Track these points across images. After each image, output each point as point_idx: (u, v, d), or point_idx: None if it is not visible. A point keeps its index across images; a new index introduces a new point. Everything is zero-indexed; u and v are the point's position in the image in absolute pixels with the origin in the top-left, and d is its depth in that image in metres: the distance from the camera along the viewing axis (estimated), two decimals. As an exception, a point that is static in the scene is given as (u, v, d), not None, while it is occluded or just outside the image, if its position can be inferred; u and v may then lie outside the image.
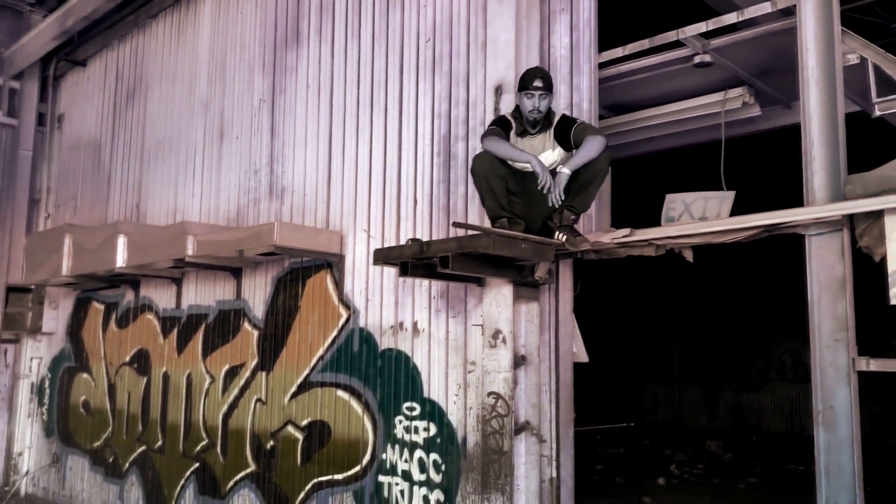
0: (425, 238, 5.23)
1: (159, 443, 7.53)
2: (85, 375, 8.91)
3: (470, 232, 4.23)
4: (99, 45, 9.45)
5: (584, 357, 4.85)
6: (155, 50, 8.61)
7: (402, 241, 5.42)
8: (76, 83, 10.04)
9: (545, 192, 3.99)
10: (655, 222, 4.53)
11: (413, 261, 4.34)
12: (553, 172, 4.05)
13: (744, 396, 16.18)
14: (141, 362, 7.98)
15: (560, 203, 3.97)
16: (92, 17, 8.47)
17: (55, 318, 9.61)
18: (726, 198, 4.15)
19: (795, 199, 4.08)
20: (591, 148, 3.97)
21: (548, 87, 4.18)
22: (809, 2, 3.92)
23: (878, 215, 3.50)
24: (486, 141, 4.17)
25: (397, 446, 5.27)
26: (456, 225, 4.00)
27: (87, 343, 8.97)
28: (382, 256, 4.48)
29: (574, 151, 4.12)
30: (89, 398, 8.75)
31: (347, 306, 5.83)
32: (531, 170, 4.07)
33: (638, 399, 17.58)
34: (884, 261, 3.49)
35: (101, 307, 8.78)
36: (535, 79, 4.18)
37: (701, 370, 16.82)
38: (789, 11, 4.23)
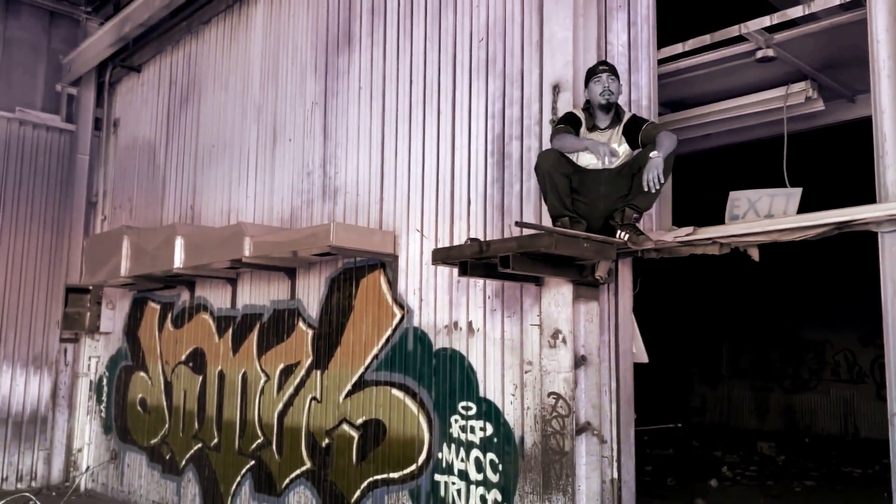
0: (480, 238, 5.24)
1: (215, 440, 7.67)
2: (142, 374, 9.12)
3: (530, 231, 4.22)
4: (153, 52, 9.67)
5: (643, 357, 4.81)
6: (208, 55, 8.77)
7: (456, 241, 5.44)
8: (131, 88, 10.29)
9: (602, 164, 3.98)
10: (715, 220, 4.46)
11: (472, 260, 4.34)
12: (642, 160, 4.01)
13: (795, 397, 15.85)
14: (196, 361, 8.14)
15: (658, 188, 3.90)
16: (148, 23, 8.67)
17: (112, 318, 9.87)
18: (793, 195, 4.07)
19: (861, 194, 3.98)
20: (671, 141, 3.96)
21: (614, 72, 4.25)
22: (880, -8, 3.82)
23: (956, 211, 3.39)
24: (554, 138, 4.18)
25: (453, 445, 5.28)
26: (519, 224, 4.00)
27: (143, 342, 9.19)
28: (441, 256, 4.50)
29: (642, 149, 4.11)
30: (146, 396, 8.96)
31: (401, 306, 5.86)
32: (596, 163, 4.07)
33: (685, 399, 17.34)
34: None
35: (157, 307, 8.98)
36: (599, 64, 4.28)
37: (750, 370, 16.52)
38: (855, 4, 4.12)
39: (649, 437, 14.31)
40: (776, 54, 4.77)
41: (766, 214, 4.13)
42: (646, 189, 3.85)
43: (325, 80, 7.04)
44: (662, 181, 3.83)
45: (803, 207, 4.18)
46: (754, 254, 4.05)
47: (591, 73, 4.25)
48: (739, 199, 4.23)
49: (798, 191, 4.09)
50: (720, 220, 4.43)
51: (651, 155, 3.87)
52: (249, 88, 8.03)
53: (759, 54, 4.78)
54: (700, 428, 16.35)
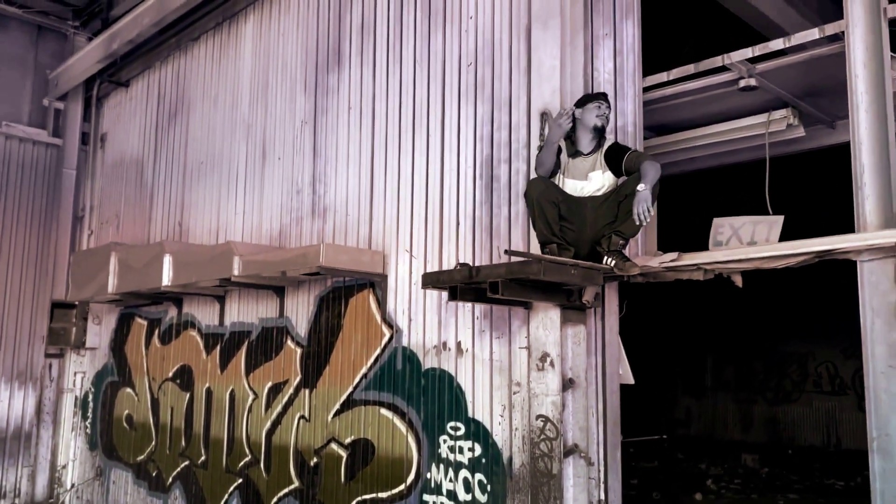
0: (468, 259, 5.31)
1: (203, 458, 7.66)
2: (128, 390, 9.09)
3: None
4: (142, 67, 9.68)
5: (629, 379, 4.88)
6: (197, 71, 8.80)
7: (445, 262, 5.50)
8: (119, 103, 10.29)
9: (601, 192, 4.16)
10: (699, 240, 4.55)
11: (461, 285, 4.40)
12: (630, 194, 4.10)
13: (778, 409, 16.00)
14: (184, 378, 8.13)
15: (647, 220, 3.99)
16: (136, 40, 8.69)
17: (98, 333, 9.83)
18: (775, 222, 4.17)
19: (842, 217, 4.08)
20: (656, 171, 4.07)
21: (608, 101, 4.43)
22: (858, 28, 3.94)
23: (932, 243, 3.50)
24: (536, 161, 4.28)
25: (442, 466, 5.32)
26: (508, 252, 4.06)
27: (130, 358, 9.16)
28: (431, 281, 4.56)
29: (627, 176, 4.20)
30: (132, 412, 8.93)
31: (390, 325, 5.90)
32: (585, 190, 4.17)
33: (670, 411, 17.45)
34: (939, 288, 3.49)
35: (145, 323, 8.97)
36: (602, 95, 4.43)
37: (734, 382, 16.67)
38: (834, 37, 4.24)
39: (635, 449, 14.40)
40: (758, 83, 4.89)
41: (748, 241, 4.23)
42: (637, 223, 3.94)
43: (314, 98, 7.09)
44: (651, 212, 3.92)
45: (786, 230, 4.29)
46: (738, 280, 4.15)
47: (592, 98, 4.40)
48: (723, 226, 4.33)
49: (780, 218, 4.19)
50: (704, 241, 4.53)
51: (638, 188, 3.96)
52: (239, 105, 8.07)
53: (742, 83, 4.90)
54: (685, 440, 16.47)
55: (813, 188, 9.74)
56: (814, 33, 4.25)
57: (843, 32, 4.03)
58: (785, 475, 11.87)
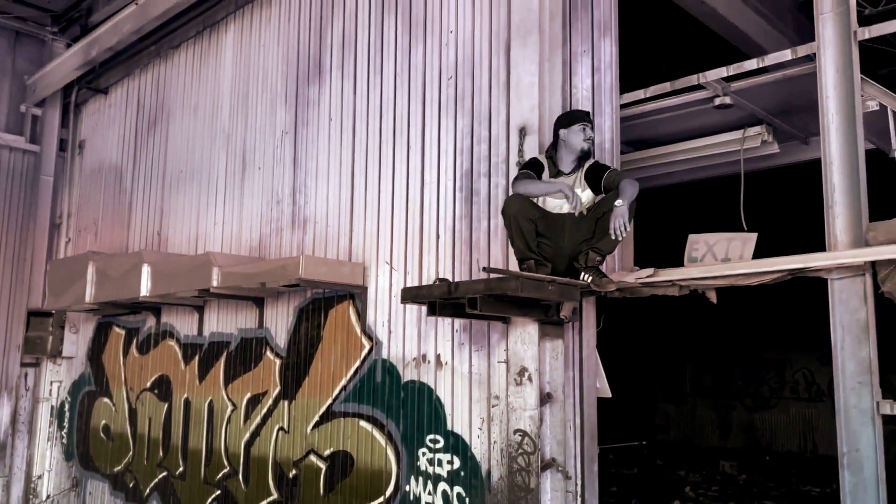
0: (448, 272, 5.33)
1: (181, 469, 7.61)
2: (105, 400, 9.01)
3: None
4: (121, 74, 9.62)
5: (607, 392, 4.93)
6: (177, 80, 8.77)
7: (425, 274, 5.52)
8: (98, 110, 10.21)
9: (577, 214, 4.12)
10: (675, 253, 4.61)
11: (440, 300, 4.42)
12: (608, 211, 4.12)
13: (756, 415, 16.17)
14: (162, 388, 8.07)
15: (624, 235, 4.02)
16: (116, 47, 8.64)
17: (75, 342, 9.73)
18: (749, 239, 4.23)
19: (817, 232, 4.14)
20: (634, 188, 4.11)
21: (592, 120, 4.47)
22: (829, 50, 4.02)
23: (900, 262, 3.58)
24: (518, 184, 4.29)
25: (421, 478, 5.33)
26: (486, 270, 4.09)
27: (107, 368, 9.08)
28: (410, 295, 4.57)
29: (606, 194, 4.25)
30: (110, 423, 8.85)
31: (370, 337, 5.91)
32: (565, 207, 4.20)
33: (650, 417, 17.58)
34: (906, 306, 3.56)
35: (122, 332, 8.90)
36: (586, 114, 4.47)
37: (713, 388, 16.82)
38: (809, 57, 4.32)
39: (615, 455, 14.49)
40: (733, 101, 4.97)
41: (723, 258, 4.29)
42: (613, 237, 3.98)
43: (295, 109, 7.09)
44: (628, 228, 3.97)
45: (761, 244, 4.35)
46: (712, 296, 4.21)
47: (578, 119, 4.39)
48: (698, 242, 4.39)
49: (753, 236, 4.25)
50: (680, 255, 4.58)
51: (616, 203, 4.00)
52: (219, 115, 8.05)
53: (718, 101, 4.97)
54: (664, 446, 16.59)
55: (788, 203, 9.89)
56: (787, 54, 4.34)
57: (815, 54, 4.11)
58: (762, 482, 12.00)
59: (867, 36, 3.99)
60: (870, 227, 3.75)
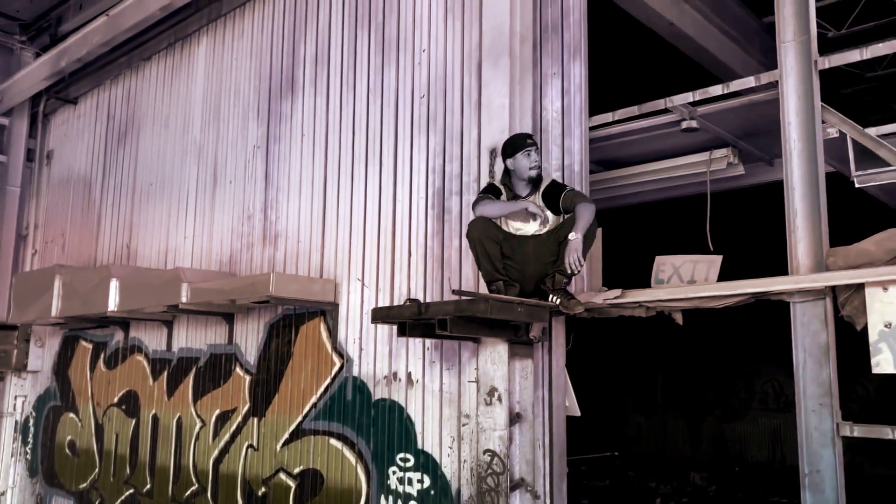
0: (420, 290, 5.35)
1: (148, 486, 7.50)
2: (71, 415, 8.86)
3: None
4: (90, 85, 9.52)
5: (576, 411, 4.96)
6: (148, 92, 8.69)
7: (397, 291, 5.52)
8: (66, 121, 10.08)
9: (545, 231, 4.14)
10: (643, 271, 4.66)
11: (411, 321, 4.43)
12: (567, 229, 4.16)
13: (726, 426, 16.35)
14: (130, 404, 7.96)
15: (578, 270, 4.06)
16: (85, 58, 8.54)
17: (41, 356, 9.57)
18: (714, 262, 4.31)
19: (780, 251, 4.23)
20: (589, 213, 4.14)
21: (537, 144, 4.45)
22: (791, 78, 4.11)
23: (858, 287, 3.66)
24: (479, 207, 4.32)
25: (391, 497, 5.32)
26: (456, 293, 4.11)
27: (74, 382, 8.94)
28: (380, 316, 4.58)
29: (564, 216, 4.29)
30: (75, 438, 8.70)
31: (341, 355, 5.89)
32: (527, 229, 4.22)
33: (622, 428, 17.69)
34: (866, 330, 3.65)
35: (90, 346, 8.77)
36: (526, 138, 4.43)
37: (684, 400, 16.98)
38: (770, 85, 4.42)
39: (587, 466, 14.56)
40: (699, 125, 5.07)
41: (688, 280, 4.36)
42: (569, 272, 4.03)
43: (267, 124, 7.07)
44: (582, 263, 4.02)
45: (727, 264, 4.43)
46: (678, 318, 4.27)
47: (520, 147, 4.36)
48: (664, 264, 4.45)
49: (719, 258, 4.33)
50: (648, 273, 4.64)
51: (570, 237, 4.05)
52: (190, 128, 7.99)
53: (684, 125, 5.06)
54: (636, 457, 16.69)
55: (753, 222, 10.04)
56: (750, 81, 4.43)
57: (777, 81, 4.20)
58: (732, 493, 12.14)
59: (827, 65, 4.10)
60: (830, 252, 3.84)
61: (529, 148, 4.34)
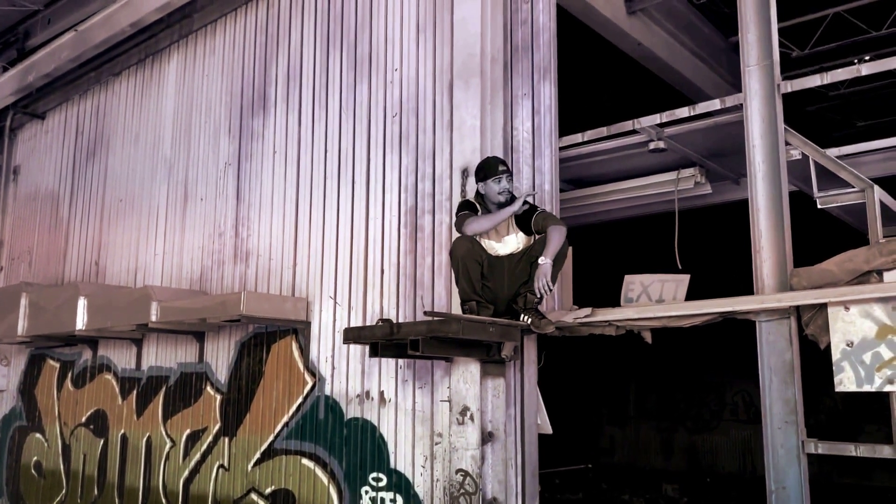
0: (392, 308, 5.35)
1: (116, 508, 7.37)
2: (37, 435, 8.68)
3: (439, 315, 4.34)
4: (59, 100, 9.40)
5: (547, 429, 4.99)
6: (117, 107, 8.61)
7: (370, 310, 5.52)
8: (34, 136, 9.94)
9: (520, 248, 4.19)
10: (612, 288, 4.71)
11: (383, 341, 4.43)
12: (539, 250, 4.19)
13: (698, 437, 16.50)
14: (98, 423, 7.83)
15: (549, 293, 4.10)
16: (53, 73, 8.45)
17: (6, 374, 9.37)
18: (682, 281, 4.37)
19: (746, 269, 4.31)
20: (560, 235, 4.18)
21: (510, 171, 4.43)
22: (755, 102, 4.21)
23: (821, 307, 3.74)
24: (468, 226, 4.31)
25: (364, 517, 5.29)
26: (428, 314, 4.12)
27: (40, 402, 8.76)
28: (353, 336, 4.57)
29: (535, 237, 4.33)
30: (42, 459, 8.53)
31: (313, 373, 5.86)
32: (501, 250, 4.26)
33: (595, 440, 17.77)
34: (829, 349, 3.73)
35: (57, 365, 8.61)
36: (499, 164, 4.43)
37: (656, 411, 17.11)
38: (735, 108, 4.51)
39: (560, 479, 14.59)
40: (667, 146, 5.15)
41: (657, 299, 4.42)
42: (538, 295, 4.07)
43: (238, 141, 7.04)
44: (551, 287, 4.06)
45: (695, 281, 4.50)
46: (647, 337, 4.33)
47: (491, 174, 4.38)
48: (633, 283, 4.51)
49: (686, 277, 4.40)
50: (618, 291, 4.70)
51: (540, 261, 4.10)
52: (160, 144, 7.92)
53: (652, 145, 5.15)
54: (609, 468, 16.75)
55: (721, 240, 10.19)
56: (716, 104, 4.53)
57: (741, 104, 4.30)
58: (703, 504, 12.24)
59: (790, 89, 4.20)
60: (794, 272, 3.92)
61: (500, 175, 4.35)
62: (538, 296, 4.06)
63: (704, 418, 16.48)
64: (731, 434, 16.00)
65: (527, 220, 4.37)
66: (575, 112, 5.81)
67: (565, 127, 5.29)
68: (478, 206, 4.51)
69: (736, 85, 6.69)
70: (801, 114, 8.97)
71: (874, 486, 12.36)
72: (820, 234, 6.18)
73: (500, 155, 4.84)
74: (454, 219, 4.60)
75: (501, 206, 4.40)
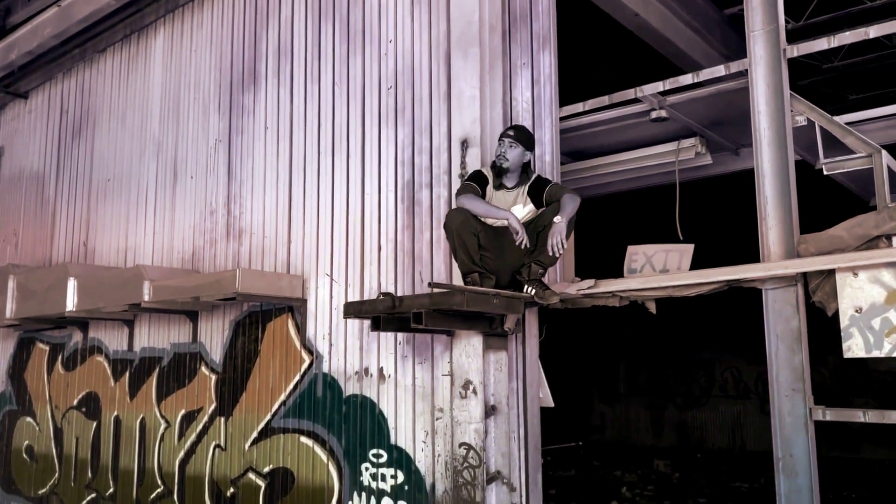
0: (390, 284, 5.28)
1: (111, 490, 7.30)
2: (28, 419, 8.58)
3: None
4: (42, 78, 9.19)
5: (549, 402, 4.96)
6: (103, 85, 8.43)
7: (367, 286, 5.45)
8: (17, 115, 9.73)
9: (522, 247, 4.10)
10: (615, 261, 4.67)
11: (384, 315, 4.37)
12: (547, 226, 4.12)
13: (688, 413, 16.64)
14: (90, 406, 7.73)
15: (561, 252, 4.04)
16: (36, 51, 8.25)
17: (-6, 359, 9.24)
18: (686, 251, 4.33)
19: (749, 238, 4.27)
20: (574, 203, 4.13)
21: (518, 138, 4.33)
22: (760, 67, 4.15)
23: (829, 273, 3.71)
24: (462, 198, 4.25)
25: (364, 494, 5.26)
26: (431, 285, 4.05)
27: (30, 385, 8.65)
28: (353, 310, 4.50)
29: (546, 207, 4.26)
30: (33, 443, 8.43)
31: (310, 351, 5.80)
32: (506, 225, 4.18)
33: (586, 418, 17.87)
34: (836, 315, 3.70)
35: (47, 348, 8.49)
36: (509, 129, 4.36)
37: (646, 388, 17.22)
38: (741, 73, 4.45)
39: (553, 457, 14.66)
40: (668, 115, 5.09)
41: (661, 269, 4.37)
42: (550, 254, 4.00)
43: (229, 117, 6.91)
44: (565, 245, 3.99)
45: (698, 253, 4.46)
46: (651, 307, 4.29)
47: (499, 135, 4.38)
48: (637, 254, 4.47)
49: (690, 247, 4.36)
50: (620, 263, 4.65)
51: (555, 220, 4.03)
52: (148, 122, 7.77)
53: (654, 115, 5.09)
54: (600, 445, 16.86)
55: (722, 211, 10.18)
56: (720, 70, 4.47)
57: (746, 70, 4.24)
58: (695, 479, 12.34)
59: (796, 54, 4.14)
60: (801, 239, 3.89)
61: (503, 138, 4.32)
62: (550, 253, 3.99)
63: (694, 395, 16.60)
64: (721, 410, 16.14)
65: (539, 191, 4.30)
66: (571, 84, 5.73)
67: (564, 99, 5.21)
68: (489, 176, 4.43)
69: (730, 57, 6.64)
70: (794, 88, 8.93)
71: (862, 458, 12.53)
72: (823, 203, 6.16)
73: (500, 126, 4.76)
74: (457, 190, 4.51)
75: (497, 170, 4.32)
